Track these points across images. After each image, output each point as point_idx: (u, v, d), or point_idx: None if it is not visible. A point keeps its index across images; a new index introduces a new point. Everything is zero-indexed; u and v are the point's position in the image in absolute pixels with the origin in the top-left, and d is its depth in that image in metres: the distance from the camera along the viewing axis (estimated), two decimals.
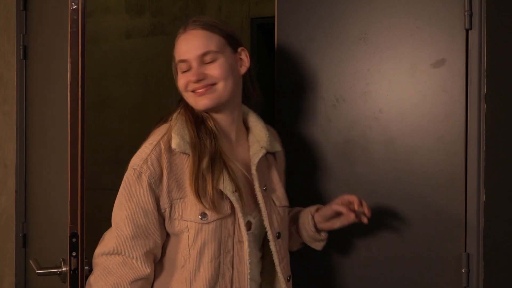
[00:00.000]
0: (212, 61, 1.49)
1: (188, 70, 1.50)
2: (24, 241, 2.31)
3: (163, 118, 1.56)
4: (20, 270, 2.32)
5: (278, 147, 1.65)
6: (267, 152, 1.58)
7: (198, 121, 1.51)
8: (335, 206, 1.60)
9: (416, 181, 1.69)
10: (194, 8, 3.84)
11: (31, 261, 1.86)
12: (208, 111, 1.52)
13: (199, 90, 1.49)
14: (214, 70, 1.48)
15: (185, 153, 1.46)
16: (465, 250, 1.64)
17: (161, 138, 1.48)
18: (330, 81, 1.80)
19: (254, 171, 1.53)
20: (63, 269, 1.71)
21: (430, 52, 1.68)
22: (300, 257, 1.80)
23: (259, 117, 1.63)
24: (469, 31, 1.63)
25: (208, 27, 1.51)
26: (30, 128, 2.31)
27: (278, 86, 1.90)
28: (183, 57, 1.50)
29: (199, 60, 1.49)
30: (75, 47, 1.68)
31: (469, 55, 1.63)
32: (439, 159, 1.66)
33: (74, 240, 1.66)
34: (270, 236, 1.52)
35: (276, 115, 1.89)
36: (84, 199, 1.68)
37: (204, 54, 1.49)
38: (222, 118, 1.54)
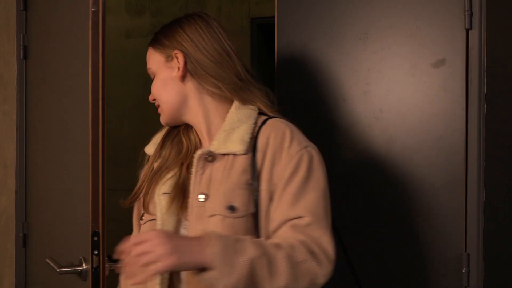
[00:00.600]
0: (154, 79, 1.49)
1: None
2: (24, 241, 2.31)
3: None
4: (20, 270, 2.32)
5: (234, 148, 1.36)
6: (228, 154, 1.37)
7: (173, 129, 1.51)
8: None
9: (416, 181, 1.69)
10: (194, 8, 3.84)
11: (48, 260, 1.88)
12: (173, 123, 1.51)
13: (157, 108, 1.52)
14: (153, 90, 1.49)
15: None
16: (465, 250, 1.64)
17: None
18: (330, 81, 1.80)
19: (193, 174, 1.38)
20: (84, 267, 1.74)
21: (430, 52, 1.68)
22: None
23: (235, 115, 1.42)
24: (469, 31, 1.63)
25: (152, 43, 1.50)
26: (30, 128, 2.31)
27: (278, 86, 1.90)
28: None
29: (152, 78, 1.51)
30: (96, 49, 1.70)
31: (469, 55, 1.63)
32: (439, 159, 1.66)
33: (95, 238, 1.70)
34: None
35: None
36: (105, 198, 1.73)
37: (149, 71, 1.51)
38: (193, 126, 1.49)
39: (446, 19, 1.65)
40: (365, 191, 1.75)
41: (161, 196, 1.39)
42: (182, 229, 1.39)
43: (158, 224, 1.37)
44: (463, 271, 1.63)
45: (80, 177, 1.79)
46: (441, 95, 1.66)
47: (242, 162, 1.35)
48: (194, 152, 1.43)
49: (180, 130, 1.50)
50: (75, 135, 1.82)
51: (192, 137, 1.48)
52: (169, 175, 1.42)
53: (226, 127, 1.40)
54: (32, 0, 2.29)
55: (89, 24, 1.70)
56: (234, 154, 1.36)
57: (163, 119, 1.49)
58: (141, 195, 1.44)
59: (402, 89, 1.71)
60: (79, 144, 1.79)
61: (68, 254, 1.87)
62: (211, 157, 1.37)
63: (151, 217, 1.41)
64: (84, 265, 1.75)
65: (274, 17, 1.91)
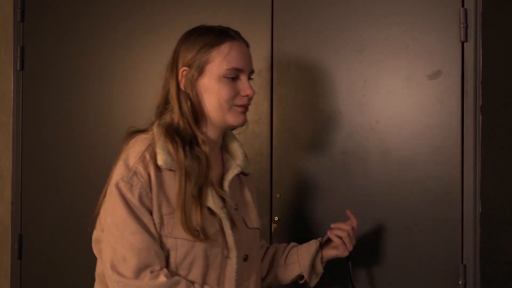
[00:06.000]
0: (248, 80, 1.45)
1: (234, 80, 1.42)
2: (19, 253, 2.30)
3: (139, 130, 1.44)
4: (15, 282, 2.30)
5: (251, 169, 1.56)
6: (241, 173, 1.50)
7: (185, 140, 1.40)
8: (336, 239, 1.57)
9: (412, 192, 1.69)
10: None
11: None
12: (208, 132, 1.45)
13: (246, 106, 1.44)
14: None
15: (171, 170, 1.37)
16: (462, 262, 1.64)
17: (146, 149, 1.37)
18: (327, 93, 1.81)
19: (226, 188, 1.44)
20: None
21: (426, 64, 1.69)
22: None
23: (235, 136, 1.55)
24: (465, 43, 1.64)
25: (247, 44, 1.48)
26: (26, 139, 2.30)
27: (275, 96, 1.90)
28: (240, 66, 1.41)
29: None
30: None
31: (465, 67, 1.64)
32: (436, 170, 1.67)
33: None
34: (234, 259, 1.40)
35: (273, 127, 1.89)
36: None
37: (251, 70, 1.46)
38: (217, 139, 1.47)
39: (442, 31, 1.67)
40: (361, 202, 1.75)
41: (224, 211, 1.42)
42: None
43: (229, 238, 1.41)
44: (460, 282, 1.63)
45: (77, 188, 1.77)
46: (437, 106, 1.67)
47: (252, 182, 1.61)
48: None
49: (198, 141, 1.42)
50: (73, 145, 1.81)
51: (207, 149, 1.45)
52: (212, 189, 1.42)
53: (241, 147, 1.56)
54: (29, 12, 2.30)
55: None
56: (248, 174, 1.56)
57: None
58: (200, 211, 1.41)
59: (399, 100, 1.72)
60: (76, 155, 1.78)
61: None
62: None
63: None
64: None
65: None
